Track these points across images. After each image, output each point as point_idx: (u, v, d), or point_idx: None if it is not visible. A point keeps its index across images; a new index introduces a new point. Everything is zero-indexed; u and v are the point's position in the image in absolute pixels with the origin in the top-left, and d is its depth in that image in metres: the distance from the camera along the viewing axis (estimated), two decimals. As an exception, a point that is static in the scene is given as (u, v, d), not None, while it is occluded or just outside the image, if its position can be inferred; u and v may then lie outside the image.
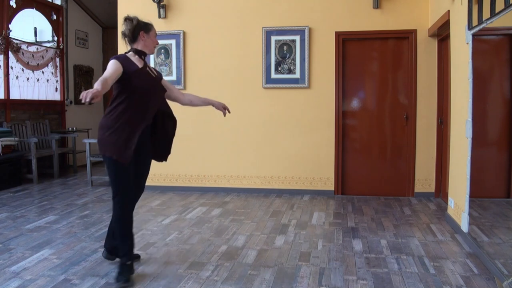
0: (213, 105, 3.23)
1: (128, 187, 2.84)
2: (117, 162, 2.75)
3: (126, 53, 2.93)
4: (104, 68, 9.47)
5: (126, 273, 2.80)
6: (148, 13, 5.64)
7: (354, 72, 5.43)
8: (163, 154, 3.12)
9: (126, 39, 2.94)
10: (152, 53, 3.04)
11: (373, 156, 5.47)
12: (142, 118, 2.85)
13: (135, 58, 2.89)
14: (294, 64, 5.44)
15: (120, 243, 2.88)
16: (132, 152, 2.78)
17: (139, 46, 2.92)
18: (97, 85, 2.45)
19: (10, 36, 6.56)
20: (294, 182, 5.56)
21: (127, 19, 2.91)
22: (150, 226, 4.14)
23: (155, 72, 3.05)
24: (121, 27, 2.96)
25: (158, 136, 3.06)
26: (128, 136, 2.77)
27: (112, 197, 2.86)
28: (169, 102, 3.16)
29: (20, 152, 6.29)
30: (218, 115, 5.65)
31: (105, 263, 3.14)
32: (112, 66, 2.71)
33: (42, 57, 7.28)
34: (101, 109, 9.16)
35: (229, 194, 5.53)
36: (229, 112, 3.25)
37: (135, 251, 3.21)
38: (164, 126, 3.07)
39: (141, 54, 2.93)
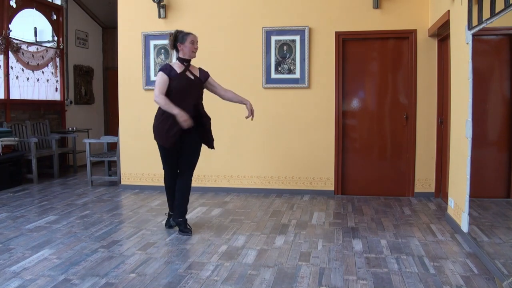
0: (245, 105, 3.91)
1: (169, 166, 3.81)
2: (163, 146, 3.68)
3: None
4: (105, 68, 9.53)
5: (182, 227, 3.82)
6: (148, 13, 5.65)
7: (354, 72, 5.43)
8: (208, 142, 3.88)
9: (174, 50, 3.75)
10: (192, 58, 3.71)
11: (373, 156, 5.47)
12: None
13: (177, 65, 3.66)
14: (294, 64, 5.44)
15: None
16: (174, 140, 3.58)
17: (180, 54, 3.68)
18: (164, 104, 3.52)
19: (10, 36, 6.56)
20: (294, 182, 5.56)
21: (169, 34, 3.71)
22: (150, 226, 4.14)
23: (196, 75, 3.75)
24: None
25: (202, 130, 3.79)
26: (170, 126, 3.55)
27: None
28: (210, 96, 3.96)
29: (20, 152, 6.29)
30: (218, 115, 5.69)
31: (105, 263, 3.15)
32: (159, 78, 3.58)
33: (42, 57, 7.28)
34: (101, 109, 9.17)
35: (229, 194, 5.53)
36: (252, 119, 4.00)
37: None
38: (202, 123, 3.77)
39: (183, 61, 3.68)
